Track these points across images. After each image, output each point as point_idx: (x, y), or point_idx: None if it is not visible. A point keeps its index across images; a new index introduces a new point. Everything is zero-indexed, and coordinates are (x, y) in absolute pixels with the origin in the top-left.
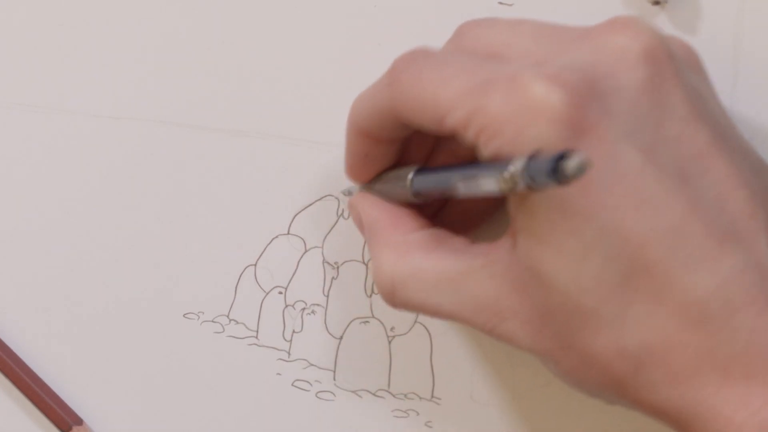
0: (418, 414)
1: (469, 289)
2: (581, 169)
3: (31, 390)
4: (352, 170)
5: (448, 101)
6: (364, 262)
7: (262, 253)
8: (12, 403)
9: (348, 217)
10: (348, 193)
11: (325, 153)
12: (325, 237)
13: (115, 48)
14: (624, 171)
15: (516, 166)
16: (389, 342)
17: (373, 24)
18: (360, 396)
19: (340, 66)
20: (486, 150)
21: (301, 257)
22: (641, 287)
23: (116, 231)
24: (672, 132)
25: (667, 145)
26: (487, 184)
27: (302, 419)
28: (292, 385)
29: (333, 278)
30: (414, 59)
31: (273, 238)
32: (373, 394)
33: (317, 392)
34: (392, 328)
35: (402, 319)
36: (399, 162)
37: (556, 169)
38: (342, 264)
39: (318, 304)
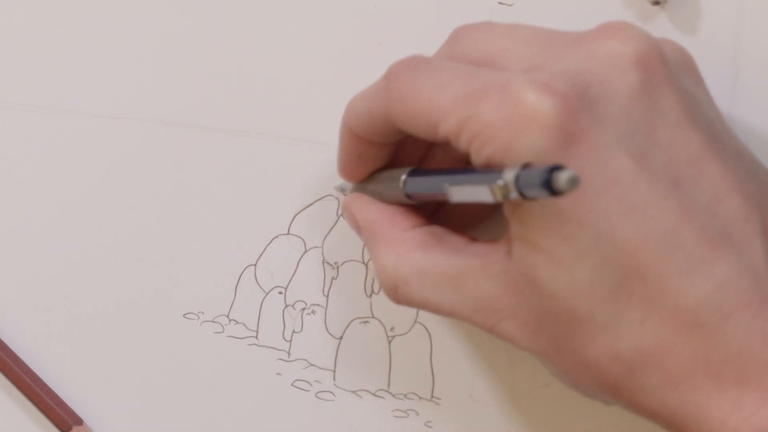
0: (418, 414)
1: (469, 288)
2: (574, 182)
3: (31, 390)
4: (345, 170)
5: (441, 108)
6: (363, 262)
7: (262, 253)
8: (12, 403)
9: None
10: (341, 189)
11: (325, 153)
12: (325, 237)
13: (115, 48)
14: (616, 177)
15: (508, 176)
16: (389, 342)
17: (373, 24)
18: (360, 396)
19: (340, 66)
20: (478, 157)
21: (301, 257)
22: (635, 293)
23: (116, 231)
24: (665, 137)
25: (659, 150)
26: (479, 191)
27: (302, 419)
28: (292, 385)
29: (333, 278)
30: (409, 66)
31: (273, 238)
32: (373, 394)
33: (317, 392)
34: (392, 328)
35: (402, 319)
36: (393, 162)
37: (548, 181)
38: (342, 264)
39: (318, 304)
